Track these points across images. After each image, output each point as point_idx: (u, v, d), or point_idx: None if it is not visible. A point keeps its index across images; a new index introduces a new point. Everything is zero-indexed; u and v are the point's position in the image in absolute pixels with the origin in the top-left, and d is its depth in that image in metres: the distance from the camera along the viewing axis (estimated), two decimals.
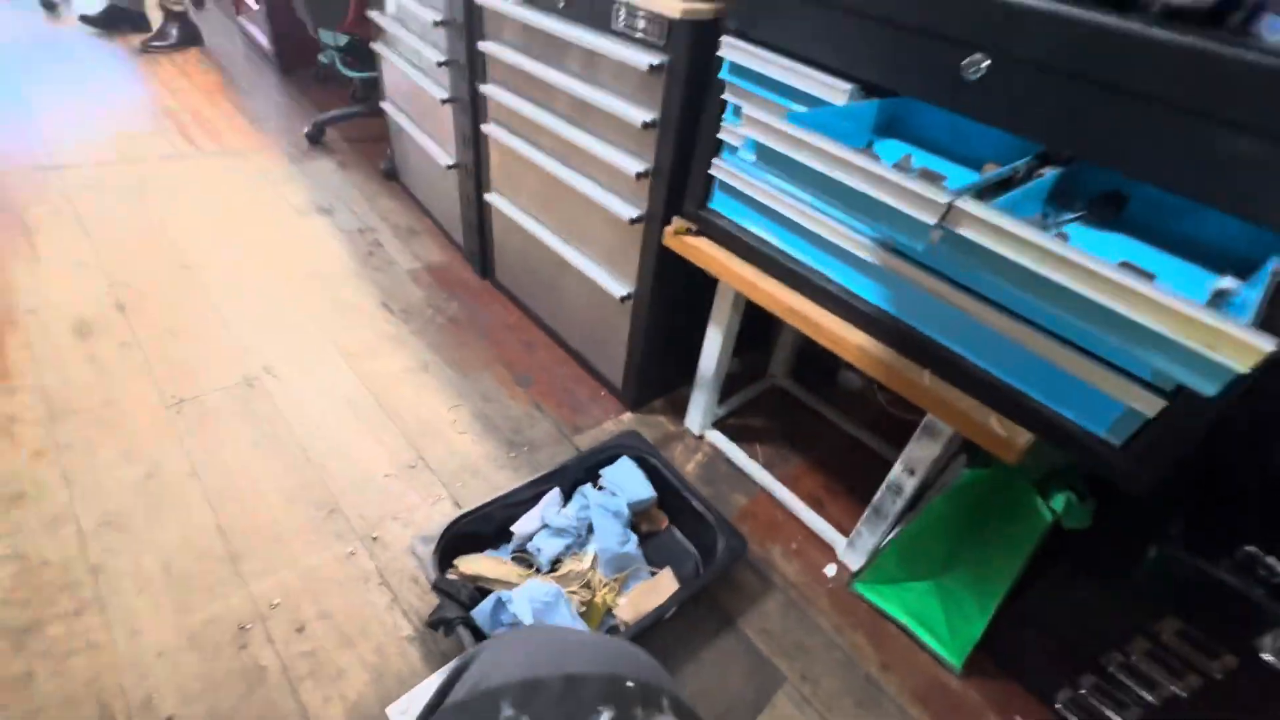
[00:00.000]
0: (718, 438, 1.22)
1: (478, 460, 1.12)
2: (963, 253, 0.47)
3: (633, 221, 1.00)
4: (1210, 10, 0.51)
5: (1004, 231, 0.44)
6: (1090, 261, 0.42)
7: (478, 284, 1.55)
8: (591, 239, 1.15)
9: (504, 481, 1.08)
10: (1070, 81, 0.54)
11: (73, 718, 0.72)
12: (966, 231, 0.46)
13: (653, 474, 1.03)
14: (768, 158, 0.55)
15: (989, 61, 0.57)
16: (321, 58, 2.30)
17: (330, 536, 0.96)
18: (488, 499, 0.94)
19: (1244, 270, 0.56)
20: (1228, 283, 0.51)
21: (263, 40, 2.64)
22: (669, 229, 0.95)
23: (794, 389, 1.38)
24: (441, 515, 1.01)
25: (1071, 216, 0.62)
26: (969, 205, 0.45)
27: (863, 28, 0.66)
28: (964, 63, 0.58)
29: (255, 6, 2.52)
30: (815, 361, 1.38)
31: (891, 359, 0.76)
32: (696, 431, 1.23)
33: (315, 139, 2.05)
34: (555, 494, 0.98)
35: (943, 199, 0.45)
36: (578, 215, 1.16)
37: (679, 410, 1.27)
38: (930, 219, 0.46)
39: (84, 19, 2.61)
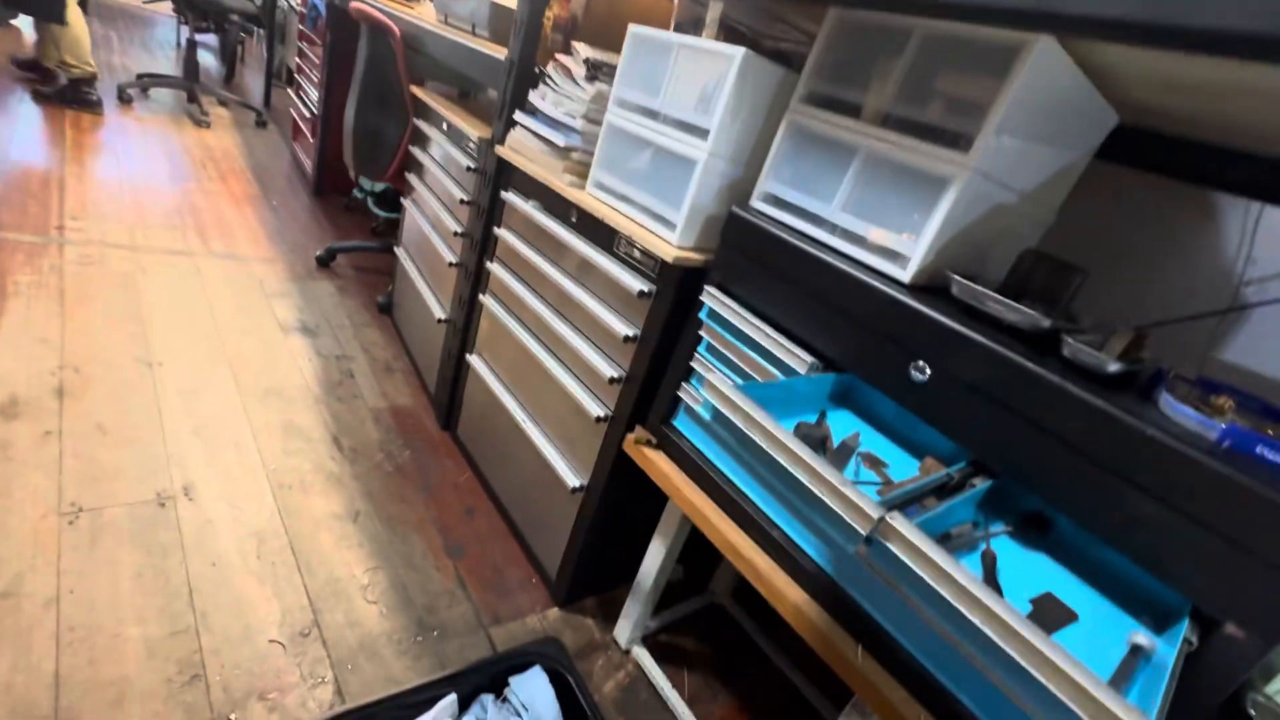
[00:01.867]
0: (645, 657, 1.13)
1: (379, 639, 1.01)
2: (889, 563, 0.48)
3: (598, 420, 1.03)
4: (1110, 372, 0.58)
5: (927, 558, 0.46)
6: (1002, 610, 0.42)
7: (437, 435, 1.54)
8: (555, 422, 1.17)
9: (401, 671, 0.97)
10: (998, 407, 0.59)
11: None
12: (894, 546, 0.47)
13: (565, 694, 0.94)
14: (721, 421, 0.58)
15: (930, 371, 0.63)
16: (355, 192, 2.49)
17: (179, 712, 0.83)
18: (375, 696, 0.84)
19: (1164, 617, 0.58)
20: (1144, 638, 0.52)
21: (306, 163, 2.87)
22: (630, 436, 0.97)
23: (734, 610, 1.32)
24: (317, 704, 0.89)
25: (1001, 529, 0.64)
26: (899, 524, 0.47)
27: (823, 311, 0.73)
28: (910, 365, 0.65)
29: (311, 140, 2.78)
30: None
31: (827, 626, 0.73)
32: (624, 645, 1.14)
33: (324, 263, 2.15)
34: (451, 701, 0.88)
35: (875, 513, 0.47)
36: (547, 397, 1.18)
37: (610, 614, 1.19)
38: (862, 529, 0.48)
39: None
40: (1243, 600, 0.48)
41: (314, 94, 2.71)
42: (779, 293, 0.79)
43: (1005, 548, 0.63)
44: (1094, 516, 0.54)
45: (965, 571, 0.46)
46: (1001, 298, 0.63)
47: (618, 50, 1.06)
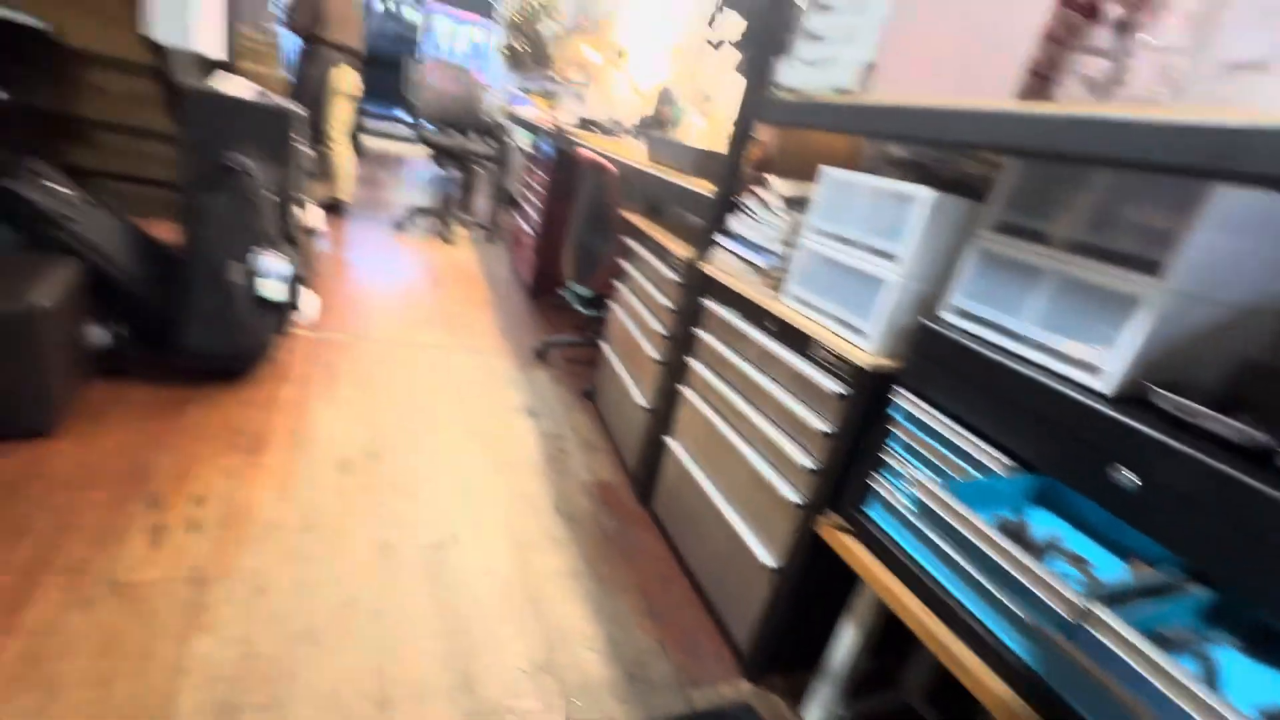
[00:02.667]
0: None
1: (599, 683, 1.18)
2: (1098, 655, 0.53)
3: (793, 505, 1.15)
4: None
5: (1139, 651, 0.51)
6: (1224, 708, 0.47)
7: (635, 509, 1.74)
8: (749, 504, 1.30)
9: (618, 713, 1.13)
10: (1215, 519, 0.62)
11: None
12: (1103, 638, 0.53)
13: None
14: (926, 514, 0.68)
15: (1139, 480, 0.68)
16: (563, 293, 2.95)
17: (459, 714, 1.06)
18: None
19: None
20: None
21: (524, 272, 3.47)
22: (825, 521, 1.08)
23: (926, 712, 1.28)
24: None
25: (1226, 640, 0.64)
26: (1107, 615, 0.53)
27: (1019, 417, 0.80)
28: (1113, 471, 0.69)
29: (530, 252, 3.37)
30: (956, 689, 1.29)
31: None
32: None
33: (541, 354, 2.57)
34: None
35: (1082, 604, 0.54)
36: (742, 480, 1.33)
37: (797, 694, 1.25)
38: (1069, 618, 0.54)
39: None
40: None
41: (534, 215, 3.31)
42: (973, 398, 0.87)
43: (1231, 659, 0.63)
44: None
45: (1180, 667, 0.51)
46: (1211, 412, 0.66)
47: (806, 179, 1.25)
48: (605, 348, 2.16)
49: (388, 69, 9.14)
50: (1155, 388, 0.71)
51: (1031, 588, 0.57)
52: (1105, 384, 0.75)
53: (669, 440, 1.62)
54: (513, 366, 2.43)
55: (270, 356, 1.97)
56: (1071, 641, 0.53)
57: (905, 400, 0.96)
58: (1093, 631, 0.54)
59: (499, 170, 4.89)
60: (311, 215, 2.30)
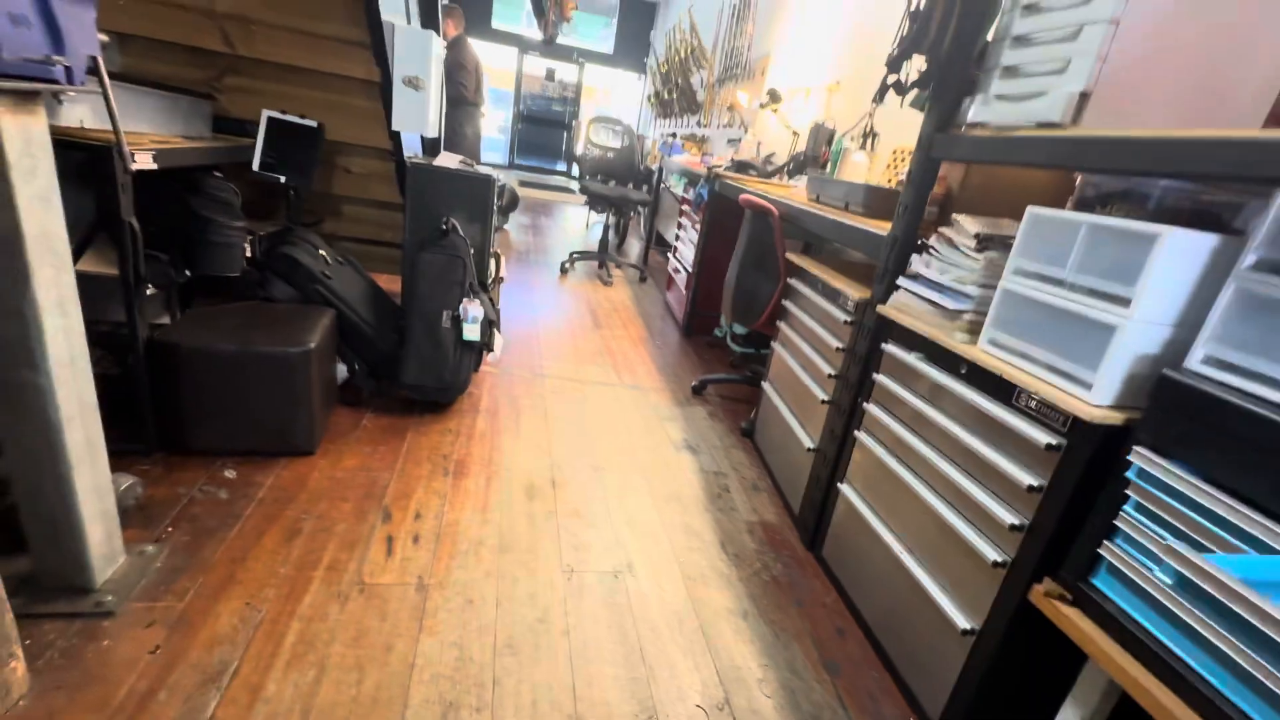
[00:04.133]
0: None
1: None
2: None
3: (994, 565, 1.06)
4: None
5: None
6: None
7: (803, 554, 1.70)
8: (939, 559, 1.22)
9: None
10: None
11: None
12: None
13: None
14: (1191, 589, 0.61)
15: None
16: (717, 332, 3.00)
17: None
18: None
19: None
20: None
21: (677, 311, 3.59)
22: (1039, 588, 0.98)
23: None
24: None
25: None
26: None
27: None
28: None
29: (684, 291, 3.49)
30: None
31: None
32: None
33: (698, 391, 2.63)
34: None
35: None
36: (929, 533, 1.25)
37: None
38: None
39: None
40: None
41: (689, 255, 3.43)
42: (1239, 460, 0.76)
43: None
44: None
45: None
46: None
47: (993, 216, 1.18)
48: (766, 387, 2.16)
49: (548, 125, 10.05)
50: None
51: None
52: None
53: (842, 485, 1.57)
54: (670, 403, 2.51)
55: (469, 391, 2.24)
56: None
57: (1145, 460, 0.86)
58: None
59: (654, 215, 5.14)
60: (500, 265, 2.59)
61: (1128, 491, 0.89)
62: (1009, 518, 1.05)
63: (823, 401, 1.69)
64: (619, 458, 2.02)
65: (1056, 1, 1.12)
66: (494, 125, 9.68)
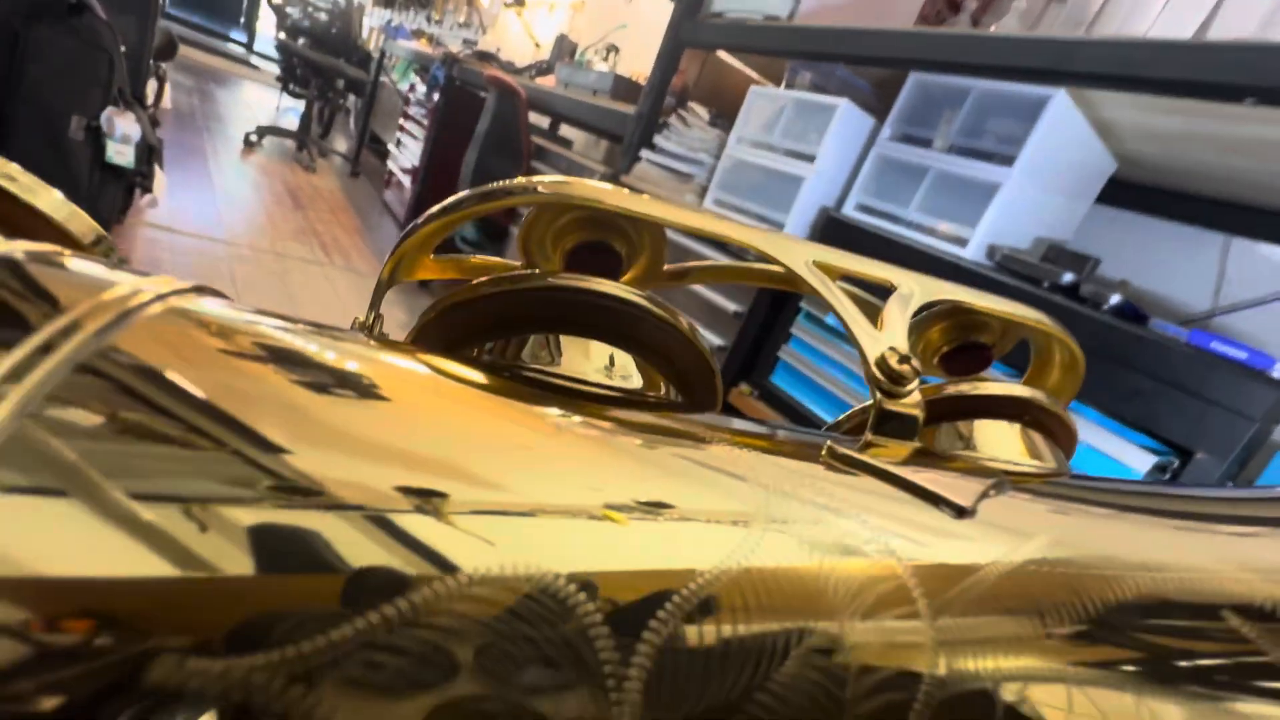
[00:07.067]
0: None
1: None
2: None
3: None
4: None
5: None
6: None
7: None
8: None
9: None
10: None
11: None
12: None
13: None
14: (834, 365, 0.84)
15: None
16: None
17: None
18: None
19: None
20: None
21: (398, 209, 3.27)
22: (736, 390, 1.22)
23: None
24: None
25: None
26: None
27: None
28: None
29: (408, 187, 3.19)
30: None
31: None
32: None
33: (425, 284, 2.47)
34: None
35: None
36: None
37: None
38: None
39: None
40: None
41: (416, 151, 3.14)
42: None
43: None
44: None
45: None
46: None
47: (719, 110, 1.40)
48: None
49: None
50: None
51: None
52: (970, 251, 0.97)
53: None
54: (397, 291, 2.30)
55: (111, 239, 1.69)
56: None
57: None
58: None
59: (366, 109, 4.52)
60: (161, 92, 1.99)
61: (801, 304, 1.17)
62: (717, 340, 1.27)
63: None
64: None
65: None
66: None
